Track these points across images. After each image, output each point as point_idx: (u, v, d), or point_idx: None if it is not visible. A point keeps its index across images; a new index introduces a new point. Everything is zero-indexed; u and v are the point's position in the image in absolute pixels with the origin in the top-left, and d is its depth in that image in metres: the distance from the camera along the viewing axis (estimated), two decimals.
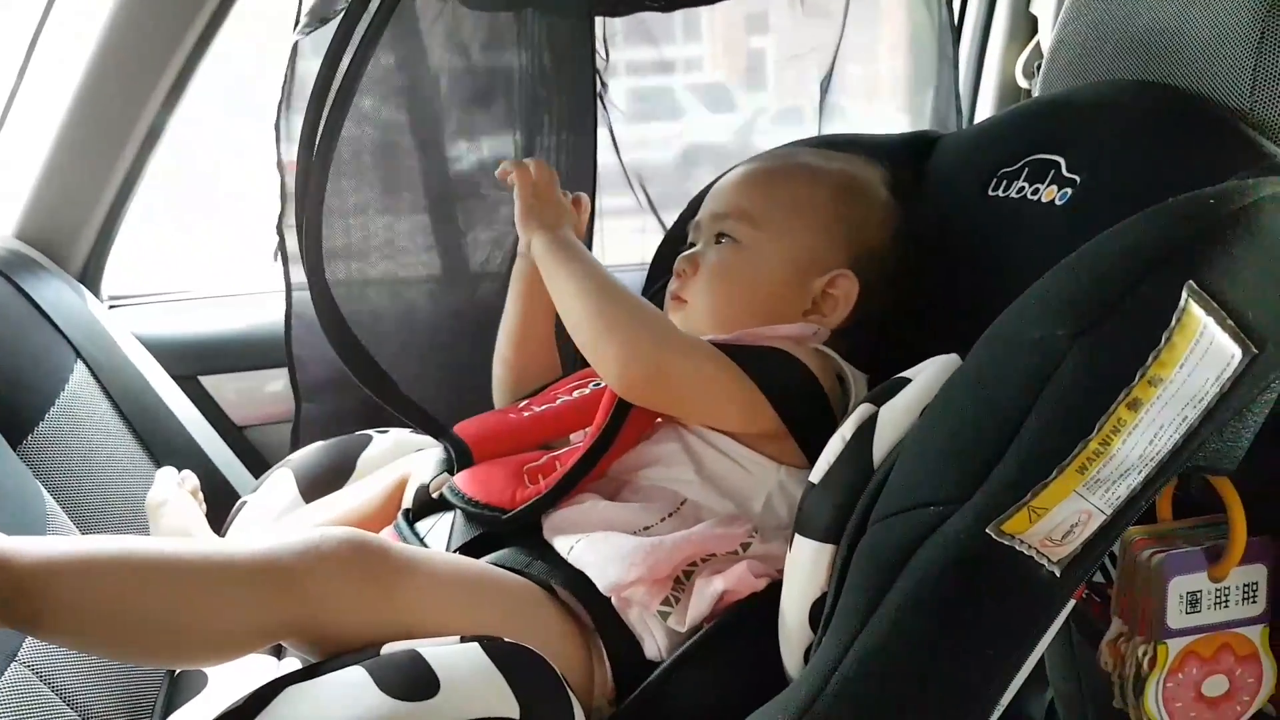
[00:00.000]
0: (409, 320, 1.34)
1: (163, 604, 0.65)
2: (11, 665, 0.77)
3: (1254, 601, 0.71)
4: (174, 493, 1.02)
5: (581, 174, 1.34)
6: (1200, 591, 0.69)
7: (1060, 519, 0.58)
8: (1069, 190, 0.79)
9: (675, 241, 1.10)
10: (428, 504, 0.89)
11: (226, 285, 1.50)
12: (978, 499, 0.59)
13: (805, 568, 0.69)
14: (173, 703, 0.77)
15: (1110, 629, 0.73)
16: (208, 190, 1.85)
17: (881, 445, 0.68)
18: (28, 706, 0.77)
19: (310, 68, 1.23)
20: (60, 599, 0.64)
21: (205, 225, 1.84)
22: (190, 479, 1.06)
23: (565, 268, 0.85)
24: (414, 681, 0.63)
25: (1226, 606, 0.70)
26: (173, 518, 1.00)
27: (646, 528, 0.79)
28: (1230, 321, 0.58)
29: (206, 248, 1.77)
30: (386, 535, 0.86)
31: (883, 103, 1.64)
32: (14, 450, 0.98)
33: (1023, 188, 0.84)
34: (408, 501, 0.91)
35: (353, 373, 0.88)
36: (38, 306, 1.15)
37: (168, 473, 1.05)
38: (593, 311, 0.82)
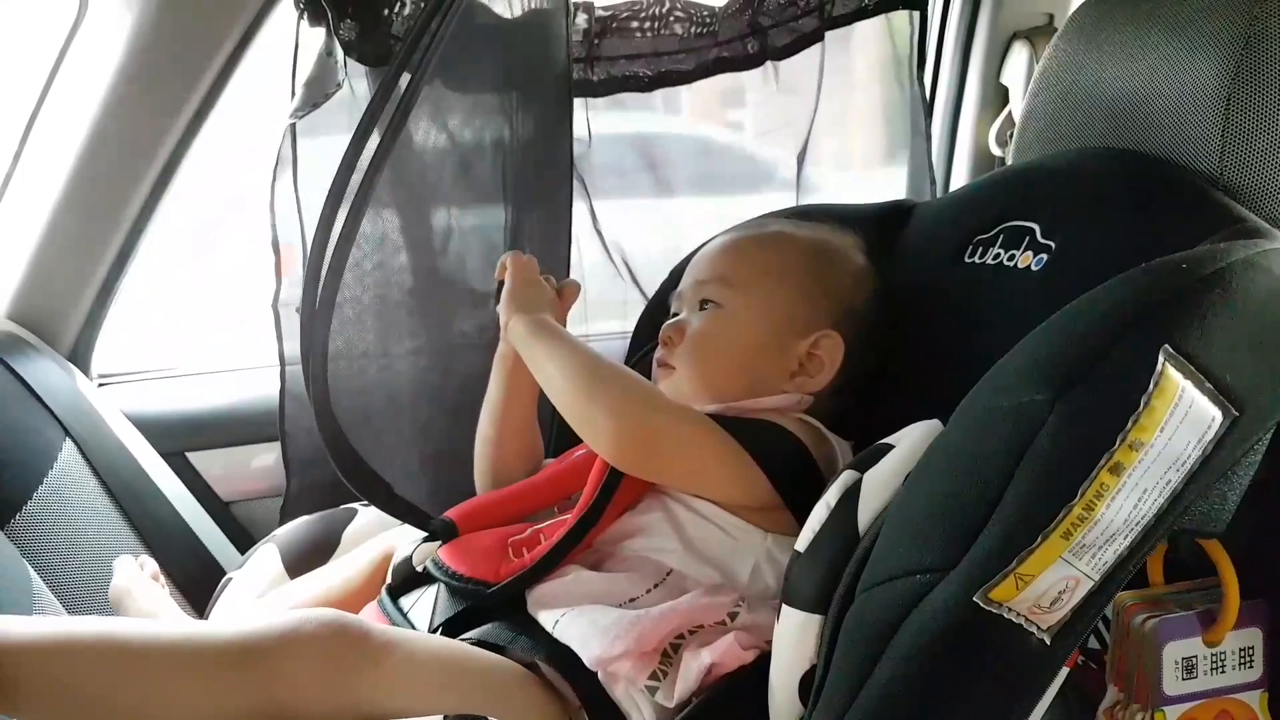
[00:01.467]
0: (399, 406, 1.33)
1: (139, 687, 0.65)
2: None
3: (1251, 666, 0.70)
4: (137, 579, 1.02)
5: (558, 251, 1.36)
6: (1196, 657, 0.69)
7: (1047, 585, 0.58)
8: (1044, 256, 0.80)
9: (657, 312, 1.11)
10: (411, 578, 0.88)
11: (214, 361, 1.50)
12: (964, 566, 0.59)
13: (793, 640, 0.69)
14: None
15: (1107, 697, 0.72)
16: (201, 267, 1.87)
17: (866, 512, 0.68)
18: None
19: (304, 148, 1.25)
20: (37, 680, 0.64)
21: (197, 301, 1.86)
22: (149, 564, 1.06)
23: (544, 347, 0.86)
24: None
25: (1223, 672, 0.69)
26: (140, 604, 0.99)
27: (632, 599, 0.78)
28: (1209, 385, 0.58)
29: (197, 324, 1.78)
30: (370, 612, 0.85)
31: (858, 173, 1.67)
32: (1, 529, 0.97)
33: (998, 254, 0.85)
34: (391, 577, 0.90)
35: (345, 477, 0.87)
36: (27, 386, 1.15)
37: (125, 560, 1.04)
38: (579, 384, 0.82)
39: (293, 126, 1.24)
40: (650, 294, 1.39)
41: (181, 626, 0.69)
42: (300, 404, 1.31)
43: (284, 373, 1.31)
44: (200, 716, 0.66)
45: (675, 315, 0.96)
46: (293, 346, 1.30)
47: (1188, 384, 0.58)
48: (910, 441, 0.70)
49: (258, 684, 0.66)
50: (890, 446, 0.71)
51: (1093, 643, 0.75)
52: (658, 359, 0.94)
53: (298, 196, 1.28)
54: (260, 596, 0.99)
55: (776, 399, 0.88)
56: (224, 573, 1.09)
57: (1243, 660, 0.70)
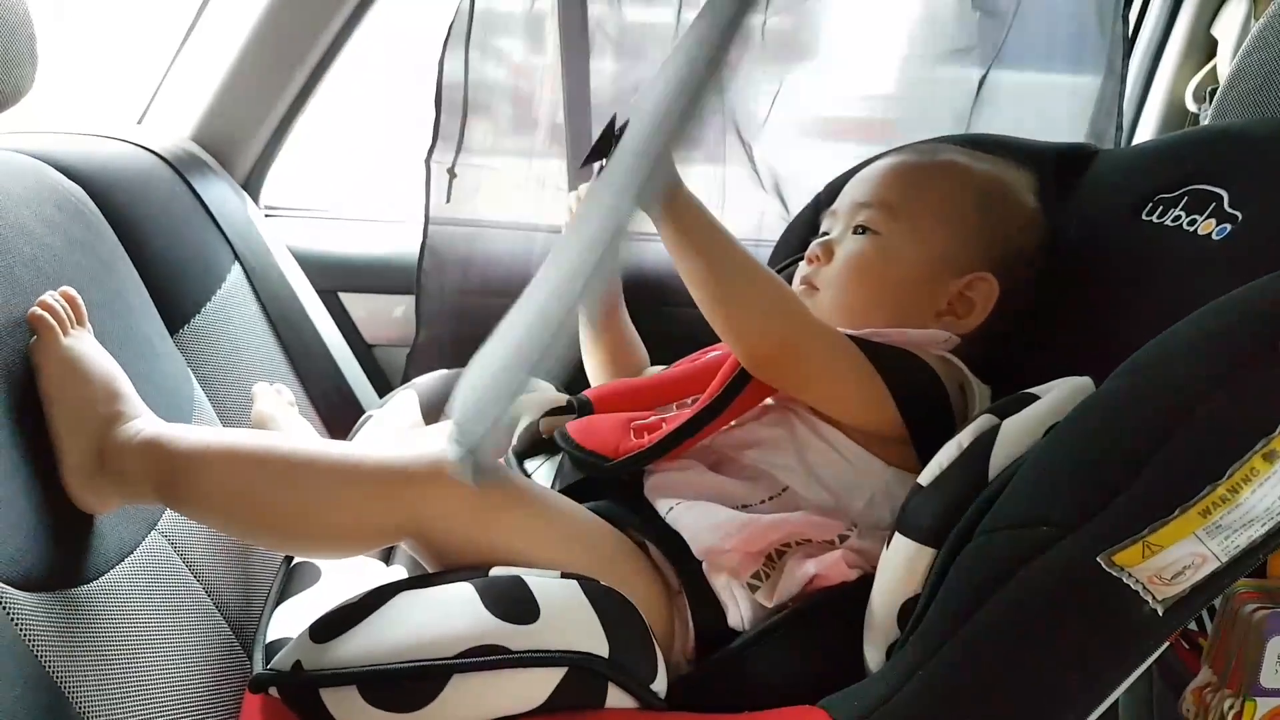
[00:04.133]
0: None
1: (295, 498, 0.70)
2: (151, 533, 0.84)
3: None
4: (279, 407, 1.07)
5: None
6: None
7: (1174, 558, 0.58)
8: (1229, 226, 0.76)
9: (804, 226, 1.09)
10: (534, 445, 0.92)
11: (370, 209, 1.55)
12: (1094, 526, 0.58)
13: (900, 566, 0.70)
14: (286, 590, 0.83)
15: (1199, 677, 0.72)
16: (369, 115, 1.92)
17: (999, 458, 0.68)
18: (161, 571, 0.83)
19: (480, 6, 1.27)
20: (208, 483, 0.70)
21: (360, 148, 1.91)
22: (286, 392, 1.11)
23: (693, 231, 0.80)
24: (517, 605, 0.66)
25: None
26: (284, 429, 1.04)
27: (745, 505, 0.79)
28: None
29: (358, 170, 1.84)
30: None
31: (1037, 103, 1.57)
32: (172, 337, 1.03)
33: (1179, 217, 0.81)
34: (516, 441, 0.94)
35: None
36: (205, 205, 1.20)
37: (265, 387, 1.09)
38: (729, 280, 0.78)
39: None
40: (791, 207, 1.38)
41: (339, 446, 0.74)
42: (436, 261, 1.37)
43: (427, 228, 1.36)
44: (349, 527, 0.71)
45: (825, 234, 0.93)
46: (438, 203, 1.35)
47: None
48: (1057, 394, 0.69)
49: (405, 505, 0.70)
50: (1035, 397, 0.70)
51: (1191, 624, 0.75)
52: (802, 277, 0.92)
53: (467, 57, 1.31)
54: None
55: (920, 332, 0.85)
56: (362, 410, 1.15)
57: None
